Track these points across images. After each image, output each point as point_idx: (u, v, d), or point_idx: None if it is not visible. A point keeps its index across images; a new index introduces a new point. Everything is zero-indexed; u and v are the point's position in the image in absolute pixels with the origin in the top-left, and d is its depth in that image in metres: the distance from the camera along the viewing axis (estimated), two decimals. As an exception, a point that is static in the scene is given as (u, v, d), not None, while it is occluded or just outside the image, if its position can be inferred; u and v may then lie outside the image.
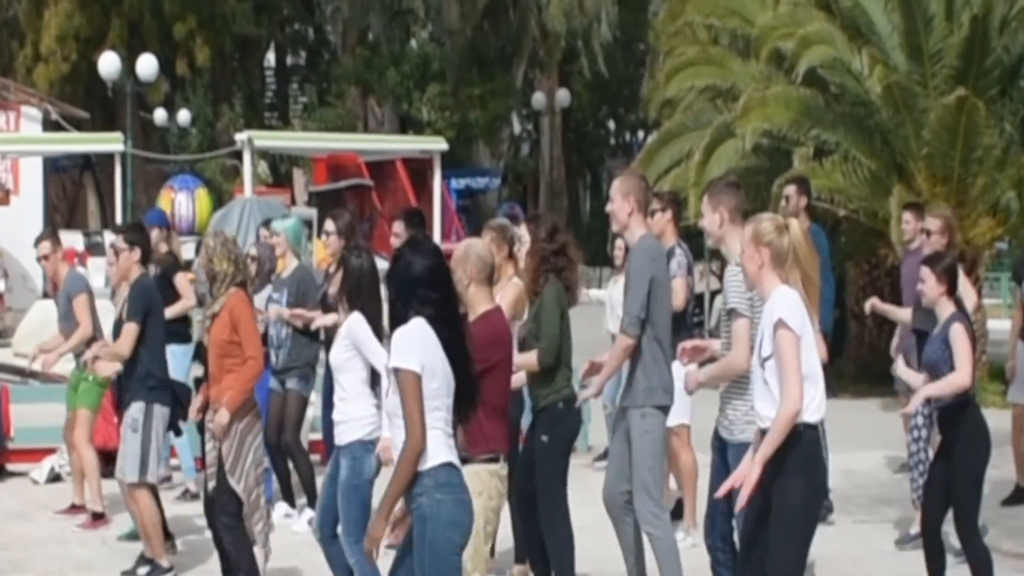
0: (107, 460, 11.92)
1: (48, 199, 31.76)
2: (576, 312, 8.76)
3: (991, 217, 17.55)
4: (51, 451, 12.80)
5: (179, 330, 11.84)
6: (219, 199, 34.22)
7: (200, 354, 10.32)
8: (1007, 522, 11.03)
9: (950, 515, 8.41)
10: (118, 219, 26.77)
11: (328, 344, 9.67)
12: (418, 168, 29.70)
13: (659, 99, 21.20)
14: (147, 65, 31.56)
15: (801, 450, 6.57)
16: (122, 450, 9.60)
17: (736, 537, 7.65)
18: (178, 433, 10.26)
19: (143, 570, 9.68)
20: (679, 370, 8.28)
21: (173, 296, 11.74)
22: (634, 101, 46.16)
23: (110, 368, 10.25)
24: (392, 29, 43.46)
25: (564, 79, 45.25)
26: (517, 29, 42.65)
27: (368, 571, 8.01)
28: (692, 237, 15.44)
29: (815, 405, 6.61)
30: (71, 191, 36.29)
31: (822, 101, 17.89)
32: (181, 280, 11.99)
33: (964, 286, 8.91)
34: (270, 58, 52.42)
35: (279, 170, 46.09)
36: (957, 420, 8.26)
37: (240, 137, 25.06)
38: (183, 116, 44.18)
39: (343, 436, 8.21)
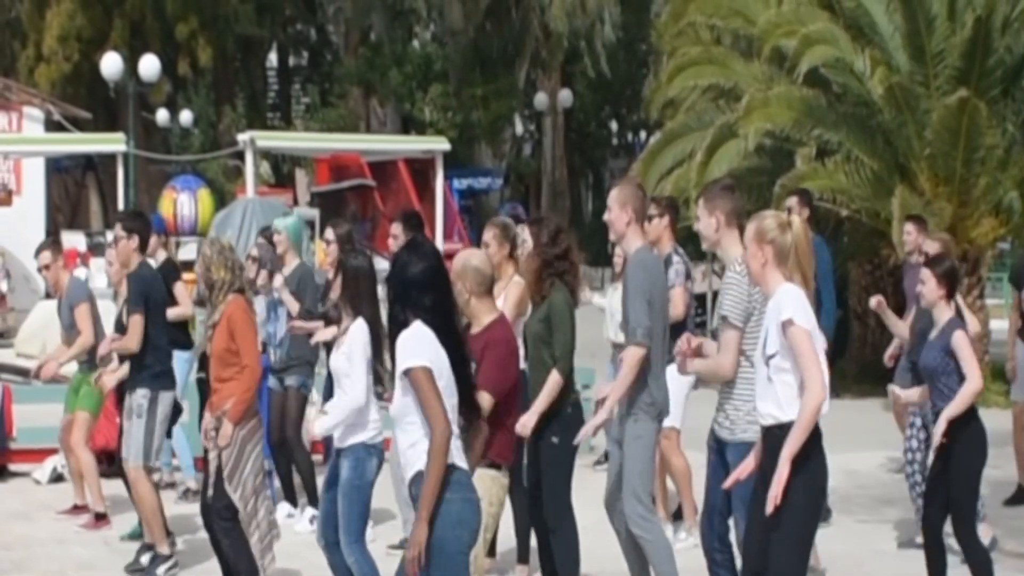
0: (109, 460, 11.94)
1: (50, 200, 31.78)
2: (577, 313, 8.75)
3: (993, 217, 17.55)
4: (53, 451, 12.78)
5: (178, 336, 11.83)
6: (221, 200, 34.14)
7: (203, 364, 10.35)
8: (1009, 522, 11.03)
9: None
10: (120, 220, 26.69)
11: (329, 348, 9.67)
12: (420, 168, 29.69)
13: (661, 99, 21.17)
14: (149, 65, 31.52)
15: (803, 450, 6.56)
16: (126, 435, 9.70)
17: (733, 538, 7.65)
18: (168, 435, 10.29)
19: (145, 557, 9.78)
20: (673, 377, 8.30)
21: (171, 303, 11.73)
22: (636, 101, 46.21)
23: (115, 380, 10.28)
24: (394, 29, 43.45)
25: (566, 79, 45.26)
26: (519, 29, 42.63)
27: (368, 571, 8.00)
28: (693, 238, 15.39)
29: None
30: (73, 192, 36.33)
31: (824, 101, 17.88)
32: (180, 289, 11.97)
33: (967, 315, 8.92)
34: (272, 58, 52.49)
35: (281, 171, 46.13)
36: (956, 422, 8.25)
37: (242, 137, 24.99)
38: (185, 116, 44.22)
39: (344, 438, 8.15)
